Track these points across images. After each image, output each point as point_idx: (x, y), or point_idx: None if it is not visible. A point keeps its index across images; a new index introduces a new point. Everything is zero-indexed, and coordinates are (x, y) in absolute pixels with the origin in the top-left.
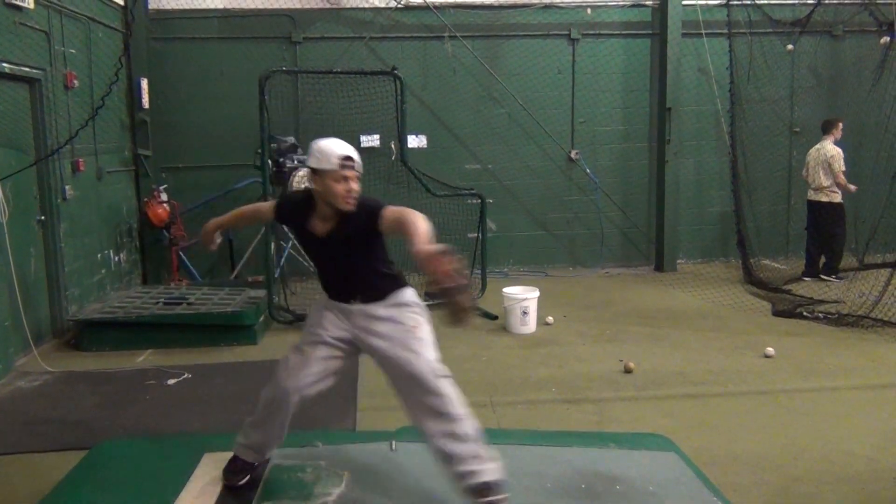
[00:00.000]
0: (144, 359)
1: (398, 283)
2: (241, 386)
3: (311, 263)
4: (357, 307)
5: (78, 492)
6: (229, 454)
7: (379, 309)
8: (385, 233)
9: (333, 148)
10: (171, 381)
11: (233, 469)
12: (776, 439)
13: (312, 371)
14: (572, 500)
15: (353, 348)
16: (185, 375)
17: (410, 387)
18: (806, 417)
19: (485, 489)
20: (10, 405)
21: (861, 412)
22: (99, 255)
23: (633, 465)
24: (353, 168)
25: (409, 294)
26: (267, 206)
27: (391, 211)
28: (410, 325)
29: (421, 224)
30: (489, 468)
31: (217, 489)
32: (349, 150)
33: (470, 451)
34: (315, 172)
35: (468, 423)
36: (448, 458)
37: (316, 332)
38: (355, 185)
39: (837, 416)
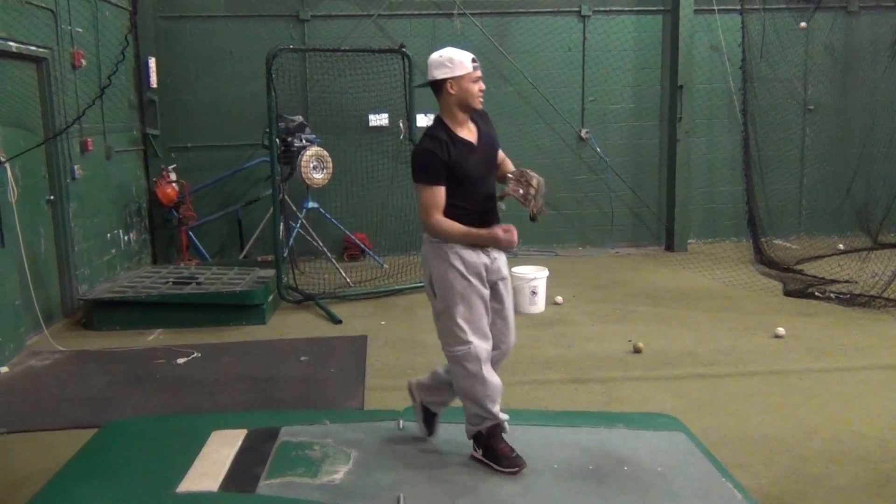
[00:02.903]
0: (154, 338)
1: None
2: (249, 365)
3: (467, 198)
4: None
5: (88, 469)
6: (237, 432)
7: None
8: None
9: (461, 53)
10: (180, 360)
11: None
12: (786, 420)
13: None
14: (580, 480)
15: None
16: (195, 354)
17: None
18: (816, 398)
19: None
20: (22, 384)
21: (872, 393)
22: (108, 235)
23: (641, 445)
24: (479, 66)
25: None
26: (438, 190)
27: None
28: None
29: None
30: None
31: (225, 467)
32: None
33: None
34: (447, 82)
35: None
36: None
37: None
38: (482, 83)
39: (848, 397)
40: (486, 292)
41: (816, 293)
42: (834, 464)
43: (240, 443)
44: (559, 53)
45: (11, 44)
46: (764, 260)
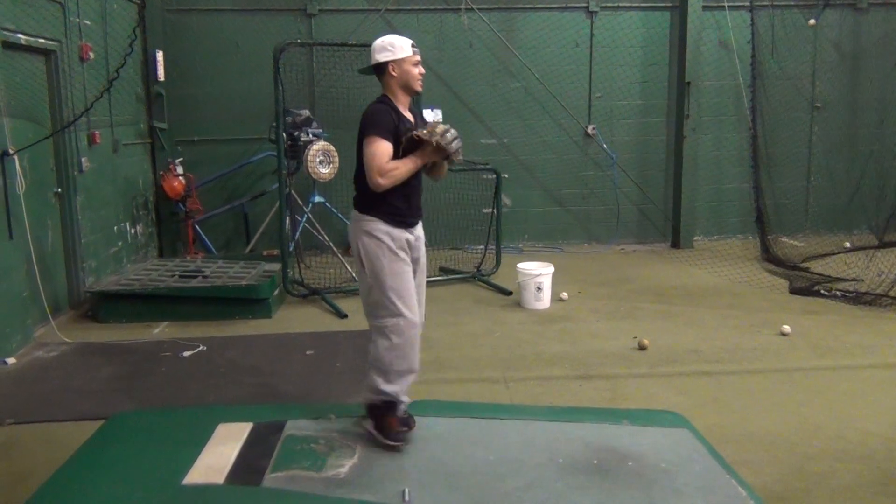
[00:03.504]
0: (160, 331)
1: None
2: (255, 359)
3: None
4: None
5: (94, 461)
6: (243, 425)
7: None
8: None
9: (401, 39)
10: (186, 353)
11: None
12: (791, 417)
13: None
14: (584, 475)
15: None
16: (201, 348)
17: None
18: (821, 396)
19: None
20: (29, 375)
21: (878, 391)
22: (115, 228)
23: (645, 441)
24: (418, 51)
25: None
26: (388, 144)
27: None
28: None
29: None
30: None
31: (231, 460)
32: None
33: None
34: (388, 65)
35: None
36: None
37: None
38: (422, 67)
39: (853, 395)
40: (411, 267)
41: (822, 291)
42: (838, 462)
43: (245, 436)
44: (566, 49)
45: (20, 36)
46: (770, 257)
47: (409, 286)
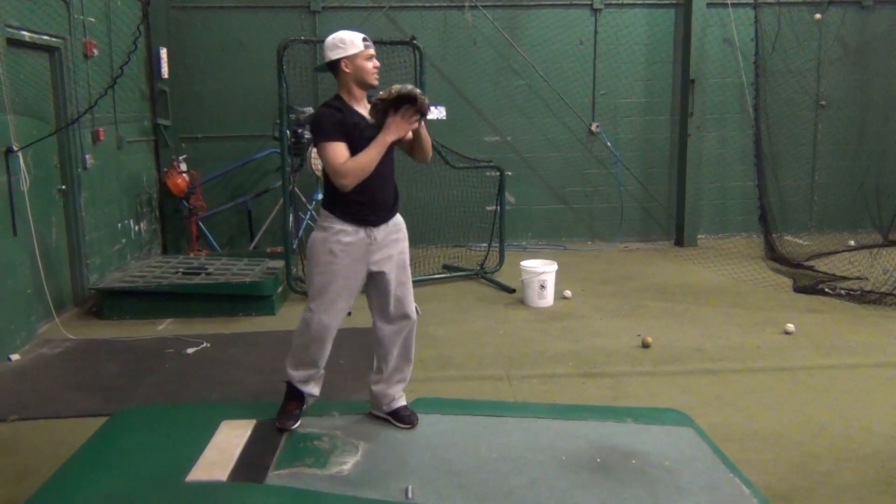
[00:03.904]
0: (164, 328)
1: None
2: (259, 356)
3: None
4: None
5: (98, 457)
6: (247, 422)
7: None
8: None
9: (350, 33)
10: (190, 350)
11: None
12: (795, 416)
13: None
14: (587, 473)
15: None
16: (204, 344)
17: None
18: (825, 394)
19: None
20: (33, 372)
21: (882, 390)
22: (119, 225)
23: (649, 440)
24: (372, 45)
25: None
26: (338, 145)
27: None
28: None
29: None
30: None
31: (234, 457)
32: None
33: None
34: (341, 62)
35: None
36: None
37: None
38: (377, 61)
39: (857, 394)
40: (350, 269)
41: (827, 290)
42: (842, 461)
43: (249, 433)
44: (570, 47)
45: (25, 33)
46: (774, 256)
47: (335, 289)
